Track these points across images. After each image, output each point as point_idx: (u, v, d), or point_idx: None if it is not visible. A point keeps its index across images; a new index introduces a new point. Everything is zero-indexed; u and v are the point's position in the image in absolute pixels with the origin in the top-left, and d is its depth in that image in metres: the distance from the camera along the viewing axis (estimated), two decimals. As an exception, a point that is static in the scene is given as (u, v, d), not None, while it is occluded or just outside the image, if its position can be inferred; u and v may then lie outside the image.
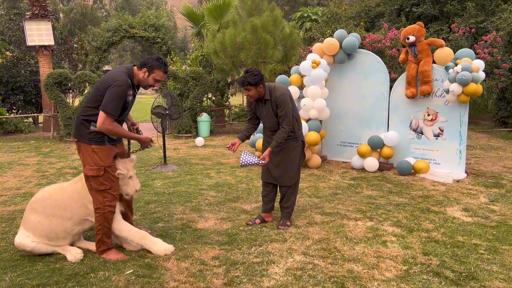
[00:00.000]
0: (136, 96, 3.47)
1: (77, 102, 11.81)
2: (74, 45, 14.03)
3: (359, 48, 7.13)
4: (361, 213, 4.64)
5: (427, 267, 3.29)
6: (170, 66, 12.44)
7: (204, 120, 11.21)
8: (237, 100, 19.22)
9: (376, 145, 6.71)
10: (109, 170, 3.37)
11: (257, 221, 4.33)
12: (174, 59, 12.83)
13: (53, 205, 3.46)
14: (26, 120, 14.09)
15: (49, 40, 12.45)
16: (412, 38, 6.43)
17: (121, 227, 3.51)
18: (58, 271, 3.24)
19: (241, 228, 4.18)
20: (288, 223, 4.22)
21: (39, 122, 14.69)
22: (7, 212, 4.79)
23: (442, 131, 6.52)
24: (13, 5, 20.77)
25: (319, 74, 6.58)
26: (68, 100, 11.37)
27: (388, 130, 6.95)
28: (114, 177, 3.42)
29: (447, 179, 6.09)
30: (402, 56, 6.81)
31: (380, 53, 10.61)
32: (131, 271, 3.21)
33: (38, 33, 12.40)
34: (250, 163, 3.93)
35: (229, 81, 13.14)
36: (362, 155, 6.76)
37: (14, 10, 20.62)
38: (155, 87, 3.44)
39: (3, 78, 13.39)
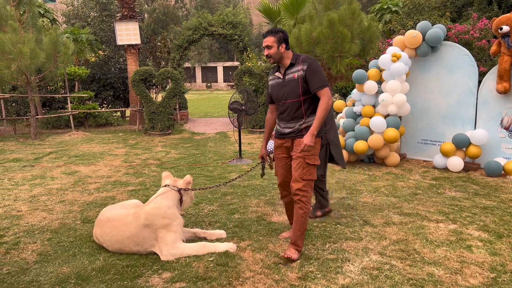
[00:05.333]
0: (278, 79, 3.52)
1: (159, 97, 12.53)
2: (158, 43, 14.89)
3: (443, 40, 6.72)
4: (443, 215, 4.40)
5: (518, 277, 3.04)
6: (246, 63, 12.69)
7: (278, 115, 11.29)
8: (311, 95, 19.04)
9: (462, 144, 6.29)
10: (275, 159, 3.76)
11: (318, 213, 4.38)
12: (250, 56, 13.06)
13: (119, 241, 3.50)
14: (115, 114, 15.25)
15: (136, 40, 13.35)
16: (506, 28, 5.91)
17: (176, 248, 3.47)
18: (145, 254, 3.50)
19: (314, 224, 4.18)
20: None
21: (126, 116, 15.84)
22: (100, 198, 5.26)
23: (539, 129, 5.93)
24: (104, 7, 22.53)
25: (400, 68, 6.32)
26: (151, 96, 12.12)
27: (475, 128, 6.48)
28: (276, 165, 3.73)
29: (544, 182, 5.54)
30: (493, 48, 6.29)
31: (467, 45, 9.86)
32: (211, 259, 3.37)
33: (127, 33, 13.33)
34: None
35: (303, 76, 13.08)
36: (446, 154, 6.38)
37: (105, 12, 22.38)
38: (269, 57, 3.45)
39: (96, 75, 14.62)
